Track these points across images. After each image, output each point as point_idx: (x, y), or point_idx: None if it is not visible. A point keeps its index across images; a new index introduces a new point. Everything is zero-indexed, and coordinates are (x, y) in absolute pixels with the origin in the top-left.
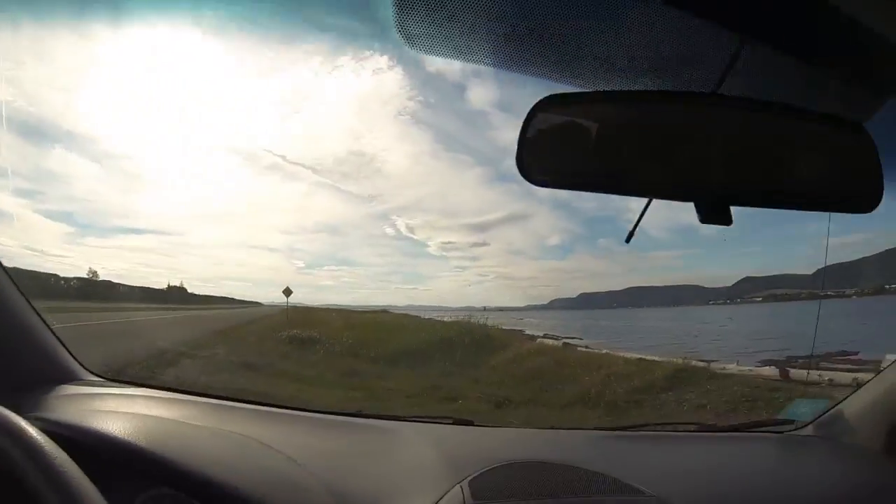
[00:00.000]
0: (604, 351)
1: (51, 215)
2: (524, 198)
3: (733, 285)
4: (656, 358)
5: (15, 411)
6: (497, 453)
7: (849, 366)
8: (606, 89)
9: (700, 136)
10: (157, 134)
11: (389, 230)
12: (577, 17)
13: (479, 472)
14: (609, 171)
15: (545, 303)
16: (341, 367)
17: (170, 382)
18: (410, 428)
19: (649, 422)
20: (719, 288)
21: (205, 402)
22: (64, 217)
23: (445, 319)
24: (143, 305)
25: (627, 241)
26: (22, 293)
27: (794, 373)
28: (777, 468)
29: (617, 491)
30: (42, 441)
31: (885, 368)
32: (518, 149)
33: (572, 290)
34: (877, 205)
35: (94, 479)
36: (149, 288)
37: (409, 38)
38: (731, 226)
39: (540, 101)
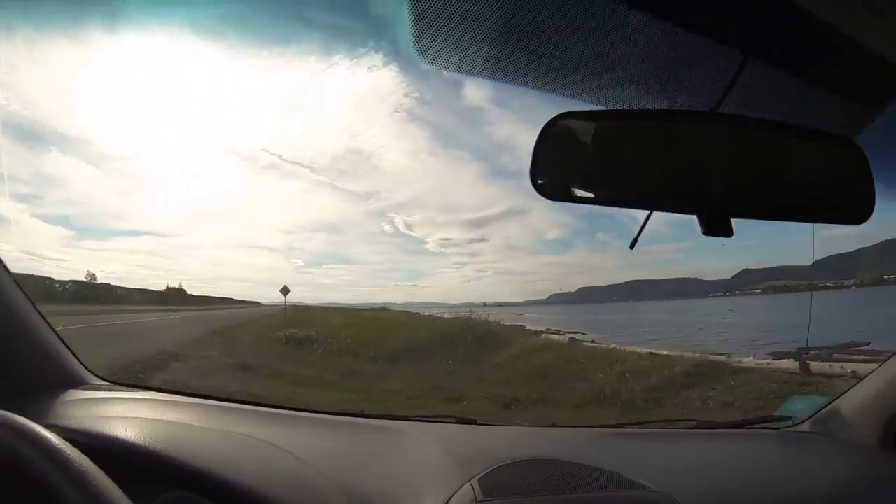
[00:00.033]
0: (611, 346)
1: (48, 219)
2: (522, 193)
3: (732, 278)
4: (669, 353)
5: (21, 415)
6: (502, 451)
7: (863, 356)
8: (611, 107)
9: (702, 151)
10: (154, 136)
11: (388, 227)
12: (581, 33)
13: (487, 471)
14: (617, 186)
15: (544, 298)
16: (339, 367)
17: (159, 385)
18: (414, 427)
19: (652, 419)
20: (718, 280)
21: (211, 405)
22: (62, 221)
23: (446, 316)
24: (140, 307)
25: (632, 247)
26: (28, 297)
27: (815, 365)
28: (775, 464)
29: (620, 486)
30: (67, 449)
31: (881, 365)
32: (532, 164)
33: (571, 284)
34: (868, 217)
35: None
36: (147, 290)
37: (426, 55)
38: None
39: (552, 119)
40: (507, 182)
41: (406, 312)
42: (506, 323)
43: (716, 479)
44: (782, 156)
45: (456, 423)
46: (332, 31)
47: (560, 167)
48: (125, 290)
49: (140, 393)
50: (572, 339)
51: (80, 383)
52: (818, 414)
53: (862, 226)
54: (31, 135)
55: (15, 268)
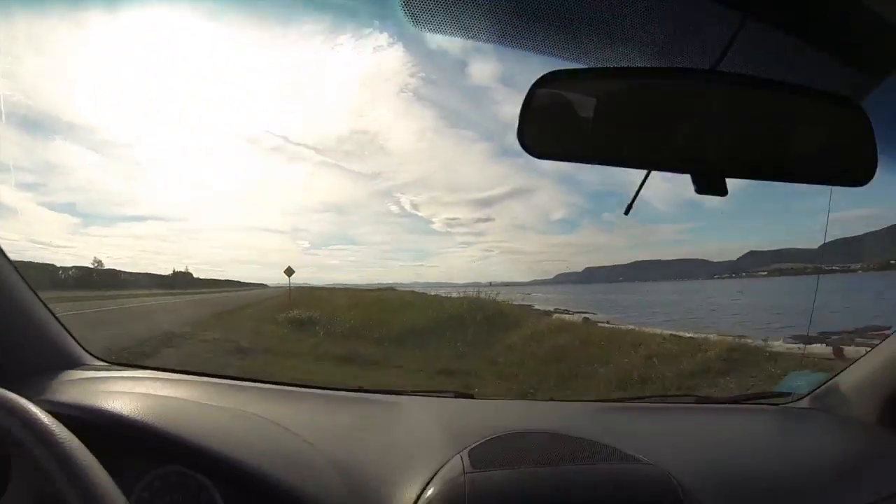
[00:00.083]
0: (629, 327)
1: (54, 207)
2: (528, 172)
3: (738, 259)
4: (693, 335)
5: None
6: (497, 424)
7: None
8: (608, 65)
9: (698, 110)
10: (159, 120)
11: (394, 207)
12: None
13: (478, 442)
14: (608, 143)
15: (550, 277)
16: (341, 350)
17: (152, 365)
18: (411, 401)
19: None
20: (724, 262)
21: (209, 382)
22: (68, 208)
23: (453, 296)
24: (147, 291)
25: (626, 213)
26: (26, 281)
27: (848, 350)
28: (773, 440)
29: (615, 459)
30: (51, 424)
31: (882, 342)
32: (520, 123)
33: (577, 264)
34: (870, 179)
35: (104, 458)
36: (154, 274)
37: (414, 18)
38: (727, 197)
39: (542, 77)
40: (514, 161)
41: (412, 292)
42: (514, 303)
43: (713, 454)
44: (780, 115)
45: (454, 397)
46: (338, 11)
47: (549, 125)
48: (131, 274)
49: (138, 372)
50: (586, 320)
51: (77, 364)
52: (818, 390)
53: (870, 209)
54: (34, 123)
55: (24, 256)
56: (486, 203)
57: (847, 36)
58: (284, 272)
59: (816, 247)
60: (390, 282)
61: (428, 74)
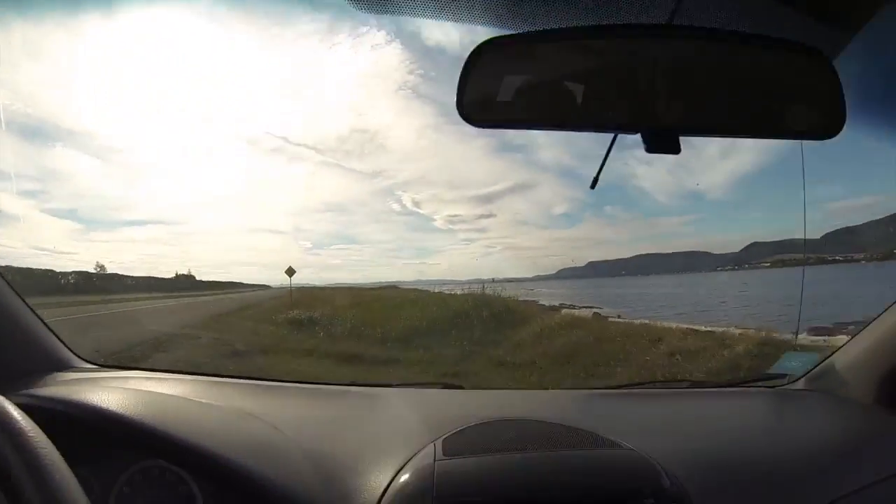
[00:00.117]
0: (641, 321)
1: (57, 213)
2: (529, 167)
3: (741, 251)
4: (711, 329)
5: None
6: (479, 413)
7: None
8: (555, 27)
9: (650, 67)
10: (158, 124)
11: (395, 206)
12: None
13: (454, 431)
14: (552, 107)
15: (553, 272)
16: (342, 352)
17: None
18: (396, 393)
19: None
20: (727, 254)
21: (195, 380)
22: (70, 214)
23: (457, 293)
24: (149, 295)
25: (592, 187)
26: (11, 287)
27: None
28: (770, 422)
29: (593, 444)
30: (21, 420)
31: (874, 320)
32: (458, 93)
33: (580, 258)
34: (837, 132)
35: (83, 453)
36: (156, 277)
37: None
38: (728, 188)
39: (480, 45)
40: (515, 156)
41: (416, 290)
42: (519, 298)
43: (707, 440)
44: (737, 68)
45: (442, 388)
46: (335, 11)
47: (491, 92)
48: (133, 278)
49: (125, 373)
50: (596, 315)
51: (66, 367)
52: (813, 371)
53: (872, 198)
54: (34, 130)
55: (27, 263)
56: (487, 199)
57: None
58: (285, 272)
59: (818, 237)
60: (393, 280)
61: (426, 71)
